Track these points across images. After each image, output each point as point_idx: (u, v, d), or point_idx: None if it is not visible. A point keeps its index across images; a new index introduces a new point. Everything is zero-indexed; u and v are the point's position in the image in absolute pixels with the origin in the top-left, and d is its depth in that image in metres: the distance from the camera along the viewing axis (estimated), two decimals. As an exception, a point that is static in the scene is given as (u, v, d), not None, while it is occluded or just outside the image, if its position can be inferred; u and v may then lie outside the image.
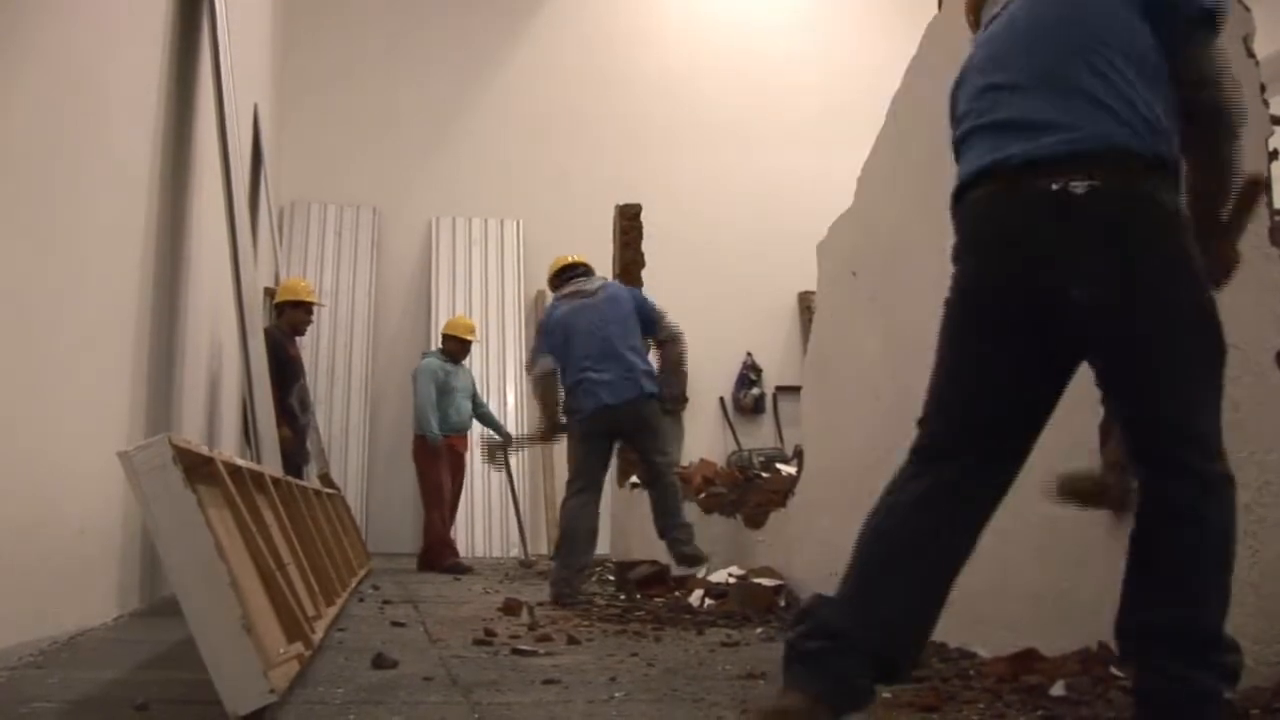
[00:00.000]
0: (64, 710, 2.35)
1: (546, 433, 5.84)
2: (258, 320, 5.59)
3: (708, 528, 5.57)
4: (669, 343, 5.59)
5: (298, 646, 2.66)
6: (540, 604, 4.84)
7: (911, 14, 4.97)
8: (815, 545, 4.45)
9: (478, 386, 8.33)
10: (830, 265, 4.92)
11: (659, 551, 5.60)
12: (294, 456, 6.51)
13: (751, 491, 5.75)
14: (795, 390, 7.26)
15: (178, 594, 2.11)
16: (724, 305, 10.24)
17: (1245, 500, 2.14)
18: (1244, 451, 2.28)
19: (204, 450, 2.59)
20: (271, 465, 4.74)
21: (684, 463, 7.10)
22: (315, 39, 10.29)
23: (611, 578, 5.87)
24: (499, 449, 7.64)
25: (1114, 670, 2.53)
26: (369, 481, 9.63)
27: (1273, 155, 2.54)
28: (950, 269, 2.14)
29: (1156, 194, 1.95)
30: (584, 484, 5.30)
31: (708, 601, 4.74)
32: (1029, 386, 2.05)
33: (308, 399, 7.41)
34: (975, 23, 2.43)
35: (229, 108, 5.35)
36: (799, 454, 5.71)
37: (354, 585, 5.24)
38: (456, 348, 7.96)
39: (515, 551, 8.81)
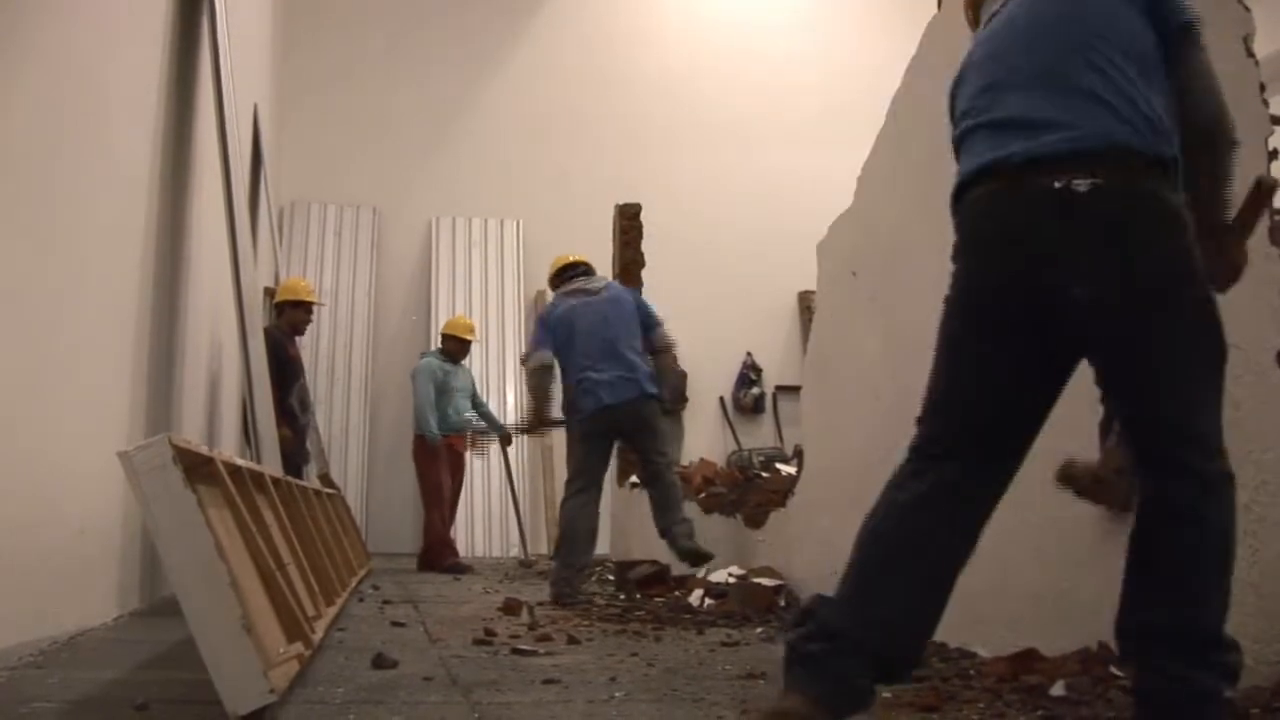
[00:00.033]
0: (64, 710, 2.35)
1: (533, 423, 5.92)
2: (258, 320, 5.59)
3: (708, 528, 5.57)
4: (662, 352, 5.64)
5: (298, 646, 2.66)
6: (540, 604, 4.84)
7: (911, 14, 4.97)
8: (815, 545, 4.45)
9: (477, 386, 8.33)
10: (830, 265, 4.93)
11: (659, 551, 5.60)
12: (294, 456, 6.51)
13: (751, 491, 5.76)
14: (795, 390, 7.27)
15: (178, 594, 2.11)
16: (724, 305, 10.25)
17: (1244, 499, 2.14)
18: (1243, 450, 2.28)
19: (204, 450, 2.59)
20: (271, 465, 4.74)
21: (684, 462, 7.11)
22: (315, 39, 10.29)
23: (611, 578, 5.87)
24: (480, 435, 7.72)
25: (1114, 670, 2.53)
26: (369, 481, 9.63)
27: (1273, 155, 2.54)
28: (950, 268, 2.13)
29: (1158, 192, 1.95)
30: (584, 484, 5.30)
31: (708, 601, 4.74)
32: (1029, 386, 2.05)
33: (308, 399, 7.41)
34: (974, 20, 2.43)
35: (229, 108, 5.35)
36: (799, 454, 5.71)
37: (354, 585, 5.24)
38: (456, 347, 7.96)
39: (515, 551, 8.81)
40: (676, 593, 5.09)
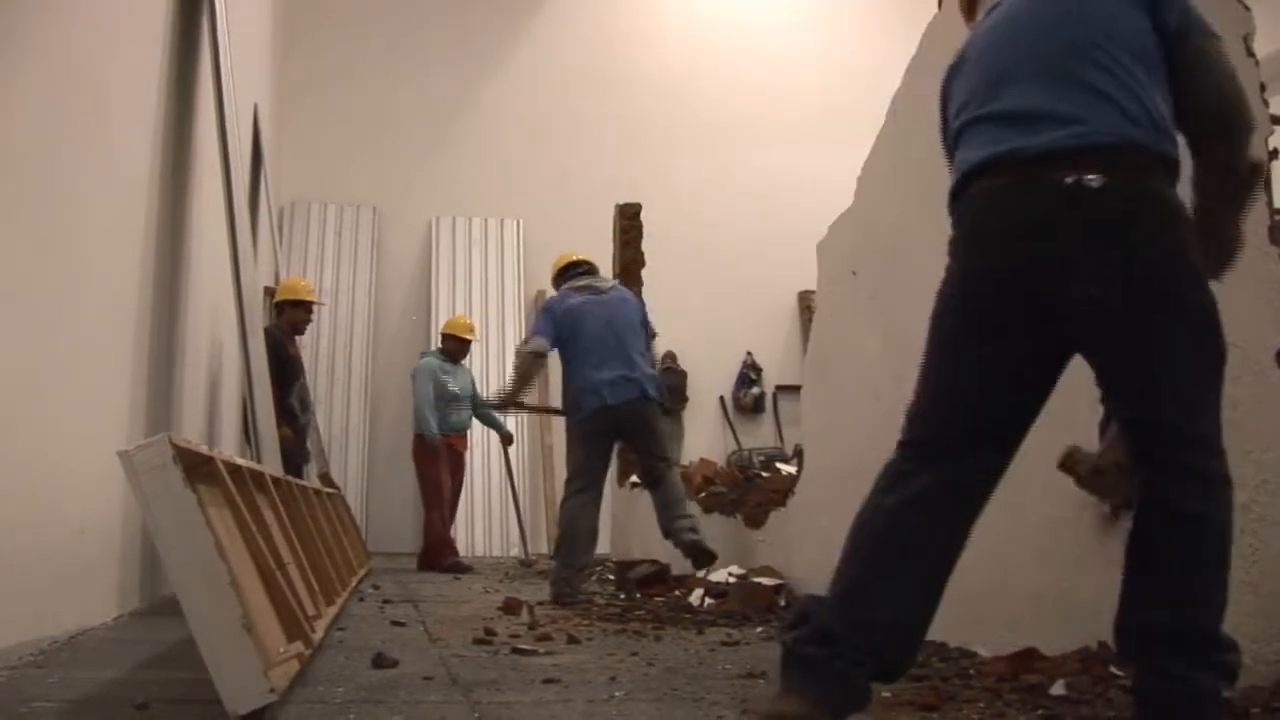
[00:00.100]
0: (64, 710, 2.35)
1: (505, 402, 5.94)
2: (258, 320, 5.59)
3: (708, 527, 5.57)
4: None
5: (298, 646, 2.66)
6: (540, 603, 4.84)
7: (911, 14, 4.96)
8: (815, 545, 4.45)
9: (477, 386, 8.33)
10: (830, 265, 4.92)
11: (659, 551, 5.60)
12: (294, 456, 6.51)
13: (751, 491, 5.75)
14: (795, 390, 7.26)
15: (178, 594, 2.11)
16: (724, 305, 10.25)
17: (1244, 499, 2.14)
18: (1242, 450, 2.28)
19: (204, 450, 2.59)
20: (271, 465, 4.74)
21: (684, 462, 7.11)
22: (315, 39, 10.29)
23: (611, 577, 5.87)
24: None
25: (1114, 670, 2.53)
26: (369, 481, 9.64)
27: (1273, 155, 2.54)
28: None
29: (1162, 191, 1.95)
30: (584, 483, 5.30)
31: (708, 601, 4.74)
32: (1028, 386, 2.04)
33: (308, 398, 7.41)
34: (969, 9, 2.41)
35: (229, 108, 5.35)
36: (799, 453, 5.71)
37: (354, 585, 5.24)
38: (456, 347, 7.96)
39: (515, 551, 8.81)
40: (676, 592, 5.09)
